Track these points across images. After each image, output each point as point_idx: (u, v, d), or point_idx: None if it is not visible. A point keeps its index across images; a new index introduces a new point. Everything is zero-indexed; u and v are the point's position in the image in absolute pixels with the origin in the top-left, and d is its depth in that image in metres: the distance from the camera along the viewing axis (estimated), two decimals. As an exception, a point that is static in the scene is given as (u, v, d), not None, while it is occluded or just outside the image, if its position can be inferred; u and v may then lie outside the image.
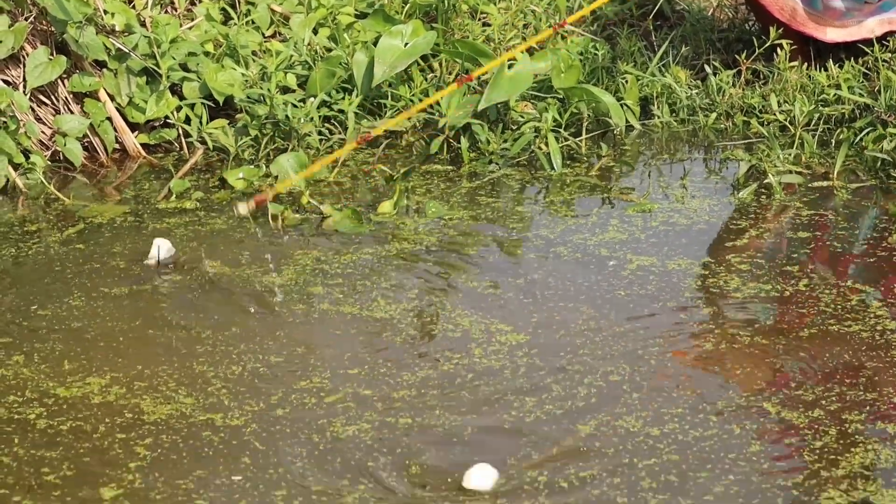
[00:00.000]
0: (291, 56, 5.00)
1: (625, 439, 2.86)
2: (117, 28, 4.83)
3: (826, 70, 4.94)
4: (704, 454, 2.74)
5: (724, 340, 3.33)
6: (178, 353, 3.37)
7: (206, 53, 4.94)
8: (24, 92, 4.63)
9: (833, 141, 4.67)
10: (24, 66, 4.65)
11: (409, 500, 2.75)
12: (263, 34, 5.12)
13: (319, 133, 4.82)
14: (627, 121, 4.85)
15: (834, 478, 2.60)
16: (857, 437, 2.76)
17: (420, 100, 4.84)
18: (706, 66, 5.14)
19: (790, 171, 4.37)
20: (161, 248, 3.75)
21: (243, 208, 4.42)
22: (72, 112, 4.75)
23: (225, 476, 2.79)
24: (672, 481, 2.66)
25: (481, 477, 2.76)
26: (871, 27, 4.93)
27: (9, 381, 3.18)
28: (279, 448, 2.92)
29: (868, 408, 2.90)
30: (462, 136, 4.68)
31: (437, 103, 4.76)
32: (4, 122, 4.42)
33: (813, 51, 5.08)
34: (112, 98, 4.81)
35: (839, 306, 3.42)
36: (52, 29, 4.72)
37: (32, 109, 4.69)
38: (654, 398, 3.05)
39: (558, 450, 2.89)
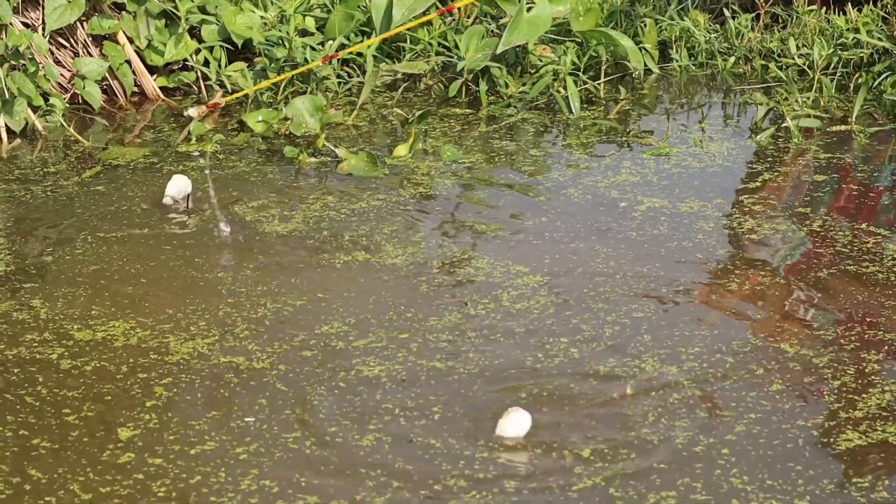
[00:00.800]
0: (302, 2, 4.99)
1: (651, 378, 2.93)
2: (139, -25, 4.78)
3: (844, 14, 4.92)
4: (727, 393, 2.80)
5: (740, 280, 3.36)
6: (199, 294, 3.42)
7: (225, -2, 4.91)
8: (42, 34, 4.64)
9: (851, 85, 4.68)
10: (43, 7, 4.63)
11: (424, 443, 2.79)
12: (276, -21, 5.04)
13: (338, 76, 4.84)
14: (646, 64, 4.87)
15: (853, 419, 2.63)
16: (874, 377, 2.80)
17: (440, 43, 4.89)
18: (725, 10, 5.16)
19: (808, 115, 4.39)
20: (177, 186, 3.72)
21: (194, 112, 4.48)
22: (91, 55, 4.78)
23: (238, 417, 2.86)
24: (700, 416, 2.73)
25: (515, 425, 2.76)
26: None
27: (29, 324, 3.24)
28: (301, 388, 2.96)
29: (886, 348, 2.94)
30: (481, 80, 4.71)
31: (457, 46, 4.79)
32: (24, 65, 4.44)
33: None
34: (131, 41, 4.84)
35: (855, 248, 3.44)
36: (72, -31, 4.61)
37: (51, 52, 4.71)
38: (673, 336, 3.08)
39: (590, 389, 2.95)
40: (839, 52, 4.78)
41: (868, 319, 3.09)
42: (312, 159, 4.21)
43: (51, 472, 2.64)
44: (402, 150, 4.18)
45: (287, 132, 4.39)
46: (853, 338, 2.98)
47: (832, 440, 2.59)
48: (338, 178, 4.09)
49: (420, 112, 4.37)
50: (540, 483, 2.68)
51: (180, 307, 3.34)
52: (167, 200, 3.77)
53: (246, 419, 2.85)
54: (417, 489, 2.68)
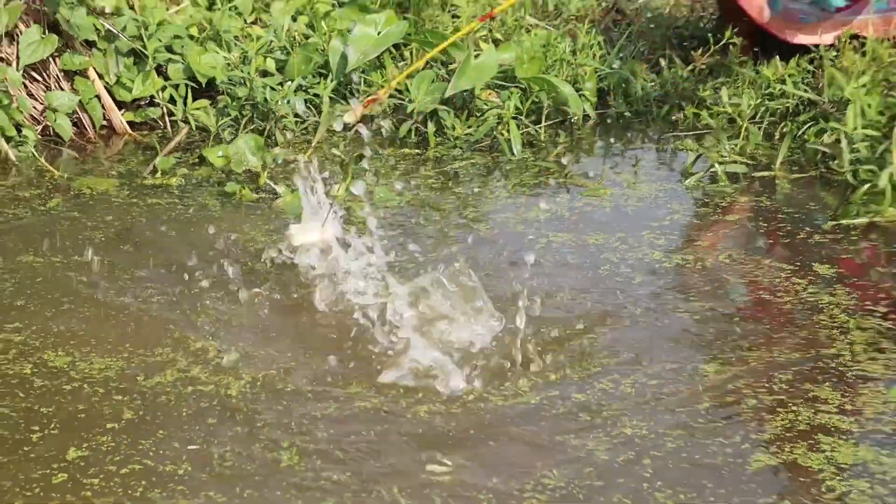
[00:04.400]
0: (271, 41, 5.14)
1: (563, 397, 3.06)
2: (107, 10, 4.94)
3: (776, 65, 5.08)
4: None
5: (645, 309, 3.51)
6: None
7: (191, 37, 5.08)
8: (17, 68, 4.77)
9: (777, 133, 4.80)
10: (18, 43, 4.77)
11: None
12: (245, 20, 5.24)
13: (296, 115, 4.98)
14: (585, 110, 5.00)
15: (764, 440, 2.78)
16: (783, 397, 2.97)
17: (403, 90, 4.98)
18: (661, 61, 5.32)
19: (735, 161, 4.53)
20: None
21: (349, 117, 4.64)
22: (62, 89, 4.91)
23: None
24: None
25: None
26: (847, 27, 5.12)
27: None
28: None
29: (793, 370, 3.11)
30: (429, 122, 4.85)
31: (408, 90, 4.94)
32: None
33: (760, 49, 5.28)
34: (101, 77, 4.97)
35: (761, 278, 3.66)
36: (45, 9, 4.82)
37: (25, 85, 4.84)
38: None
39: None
40: (766, 101, 4.91)
41: (774, 342, 3.26)
42: (253, 195, 4.32)
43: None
44: (337, 190, 4.18)
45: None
46: (763, 360, 3.16)
47: (746, 460, 2.73)
48: (272, 214, 4.22)
49: (356, 155, 4.52)
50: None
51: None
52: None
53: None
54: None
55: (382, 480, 2.68)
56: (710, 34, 5.41)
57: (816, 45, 5.16)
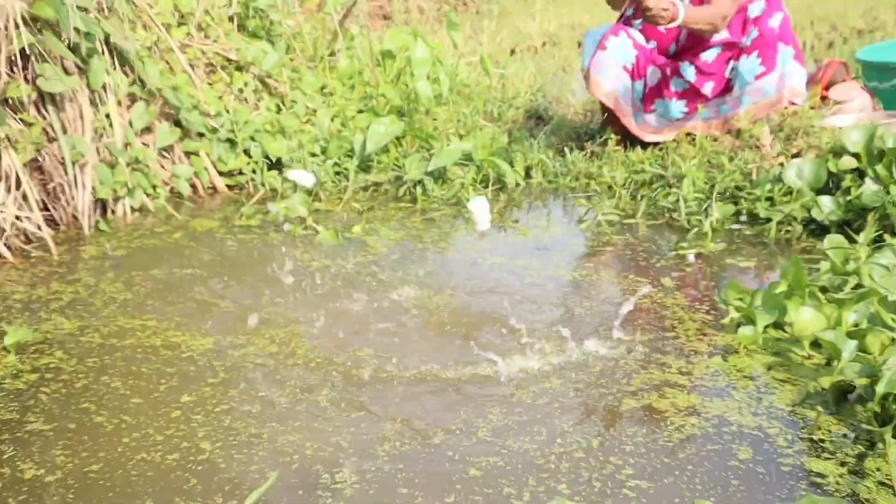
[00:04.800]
0: (317, 134, 5.21)
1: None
2: (212, 113, 5.02)
3: (639, 150, 5.13)
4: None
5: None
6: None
7: (266, 130, 5.12)
8: (154, 149, 4.83)
9: (639, 195, 4.83)
10: (155, 133, 4.83)
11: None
12: (300, 120, 5.30)
13: (333, 181, 5.05)
14: (516, 180, 5.06)
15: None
16: (643, 362, 3.02)
17: (394, 163, 5.07)
18: (565, 149, 5.38)
19: (612, 213, 4.60)
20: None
21: None
22: (183, 163, 4.98)
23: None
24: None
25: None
26: (684, 128, 5.20)
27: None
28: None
29: (650, 345, 3.14)
30: (418, 186, 4.92)
31: (402, 166, 5.01)
32: (142, 168, 4.67)
33: (628, 142, 5.33)
34: (208, 155, 5.04)
35: (622, 291, 3.71)
36: (172, 111, 4.87)
37: (159, 161, 4.88)
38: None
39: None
40: (633, 175, 4.96)
41: (636, 328, 3.29)
42: (301, 232, 4.37)
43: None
44: (356, 229, 4.30)
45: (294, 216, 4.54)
46: (629, 339, 3.19)
47: (618, 405, 2.78)
48: (313, 245, 4.24)
49: (369, 206, 4.66)
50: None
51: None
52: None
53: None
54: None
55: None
56: (597, 132, 5.50)
57: (663, 140, 5.22)
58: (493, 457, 2.43)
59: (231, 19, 5.38)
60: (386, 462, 2.40)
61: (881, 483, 2.36)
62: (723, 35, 4.98)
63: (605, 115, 5.39)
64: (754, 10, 4.89)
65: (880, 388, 2.56)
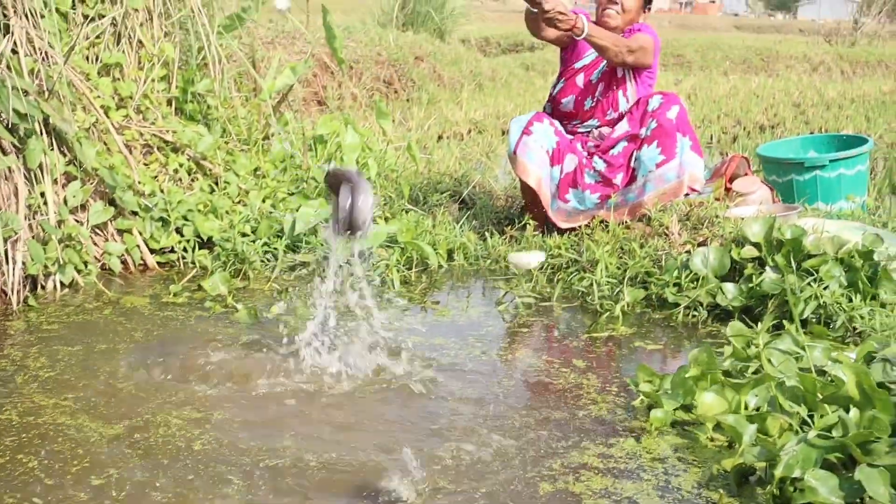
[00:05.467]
0: (248, 215, 5.13)
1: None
2: (146, 192, 4.93)
3: (556, 235, 5.13)
4: None
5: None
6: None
7: (199, 210, 5.04)
8: (87, 227, 4.72)
9: (556, 279, 4.83)
10: (89, 211, 4.73)
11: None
12: (233, 200, 5.23)
13: (262, 261, 4.95)
14: (439, 262, 5.02)
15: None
16: (560, 437, 3.01)
17: (322, 244, 4.95)
18: (486, 233, 5.36)
19: (529, 296, 4.57)
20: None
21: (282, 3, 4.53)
22: (115, 240, 4.87)
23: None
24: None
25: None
26: (597, 215, 5.23)
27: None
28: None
29: (563, 423, 3.13)
30: (347, 267, 4.77)
31: (329, 246, 4.89)
32: (74, 244, 4.56)
33: (545, 228, 5.32)
34: (140, 233, 4.93)
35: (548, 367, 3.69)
36: (107, 190, 4.78)
37: (91, 238, 4.78)
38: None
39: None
40: (549, 259, 4.96)
41: (544, 406, 3.27)
42: (221, 309, 4.31)
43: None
44: (275, 309, 4.22)
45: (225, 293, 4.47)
46: (543, 416, 3.18)
47: (535, 486, 2.76)
48: (232, 321, 4.18)
49: (287, 288, 4.60)
50: None
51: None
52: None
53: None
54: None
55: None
56: (517, 217, 5.49)
57: (578, 227, 5.24)
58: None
59: (169, 102, 5.35)
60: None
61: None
62: (625, 128, 5.20)
63: (525, 201, 5.39)
64: (653, 104, 5.09)
65: (778, 472, 2.60)
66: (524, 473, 2.80)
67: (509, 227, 5.41)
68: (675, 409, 3.18)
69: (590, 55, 5.27)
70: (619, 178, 5.17)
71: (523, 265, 2.73)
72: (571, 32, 4.86)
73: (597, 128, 5.28)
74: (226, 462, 2.81)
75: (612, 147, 5.20)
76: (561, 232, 5.26)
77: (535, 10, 4.83)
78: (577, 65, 5.33)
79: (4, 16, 4.55)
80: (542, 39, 5.37)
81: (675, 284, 4.47)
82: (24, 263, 4.35)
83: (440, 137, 8.26)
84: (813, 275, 4.20)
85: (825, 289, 4.11)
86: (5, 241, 4.28)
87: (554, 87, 5.43)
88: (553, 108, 5.38)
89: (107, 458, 2.82)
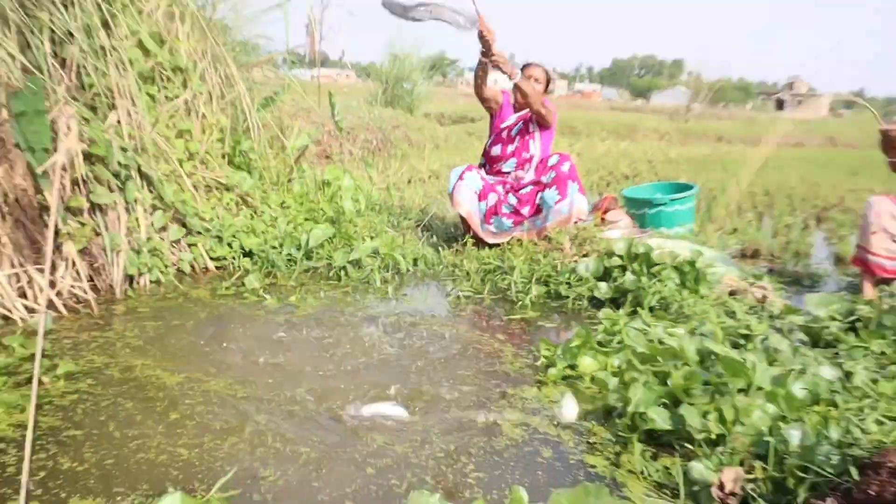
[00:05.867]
0: (277, 234, 5.09)
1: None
2: (207, 218, 4.88)
3: (488, 248, 5.13)
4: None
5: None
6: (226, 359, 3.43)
7: (243, 231, 5.00)
8: (167, 242, 4.67)
9: (486, 280, 4.80)
10: (168, 231, 4.68)
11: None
12: (266, 224, 5.17)
13: (286, 265, 4.90)
14: (407, 267, 4.98)
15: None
16: (483, 380, 3.02)
17: (327, 254, 4.98)
18: (439, 248, 5.35)
19: (468, 290, 4.59)
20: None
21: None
22: (186, 251, 4.80)
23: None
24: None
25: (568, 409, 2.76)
26: (514, 235, 5.26)
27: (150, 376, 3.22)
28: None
29: (488, 372, 3.13)
30: (344, 270, 4.81)
31: (332, 256, 4.92)
32: (158, 254, 4.54)
33: (479, 243, 5.35)
34: (203, 246, 4.87)
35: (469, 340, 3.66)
36: (180, 217, 4.74)
37: (170, 249, 4.71)
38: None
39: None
40: (482, 265, 4.96)
41: (481, 360, 3.26)
42: (255, 298, 4.24)
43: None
44: (293, 297, 4.19)
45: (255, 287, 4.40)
46: (475, 368, 3.18)
47: (465, 405, 2.80)
48: (265, 307, 4.10)
49: (304, 283, 4.56)
50: None
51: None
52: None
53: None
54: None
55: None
56: (460, 237, 5.53)
57: (501, 243, 5.21)
58: (385, 458, 2.38)
59: (223, 156, 5.30)
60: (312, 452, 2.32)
61: (630, 471, 2.39)
62: (532, 177, 5.34)
63: (464, 225, 5.42)
64: (552, 160, 5.27)
65: (630, 409, 2.64)
66: (464, 407, 2.83)
67: (455, 244, 5.44)
68: (564, 368, 3.22)
69: (510, 119, 5.42)
70: (526, 210, 5.28)
71: (567, 417, 2.60)
72: (509, 76, 5.14)
73: (514, 169, 5.38)
74: (250, 398, 2.82)
75: (523, 188, 5.33)
76: (490, 247, 5.29)
77: (486, 57, 4.98)
78: (503, 125, 5.48)
79: (112, 98, 4.54)
80: (482, 98, 5.45)
81: (566, 283, 4.50)
82: (124, 267, 4.32)
83: (409, 181, 8.25)
84: (657, 276, 4.27)
85: (665, 286, 4.18)
86: (111, 251, 4.28)
87: (487, 142, 5.54)
88: (486, 157, 5.48)
89: (179, 397, 2.84)
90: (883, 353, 3.28)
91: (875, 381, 2.90)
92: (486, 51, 4.98)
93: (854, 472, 2.04)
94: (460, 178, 5.25)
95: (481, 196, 5.28)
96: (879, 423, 2.46)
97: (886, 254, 4.28)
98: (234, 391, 2.91)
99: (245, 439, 2.49)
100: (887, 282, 4.32)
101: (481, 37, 4.98)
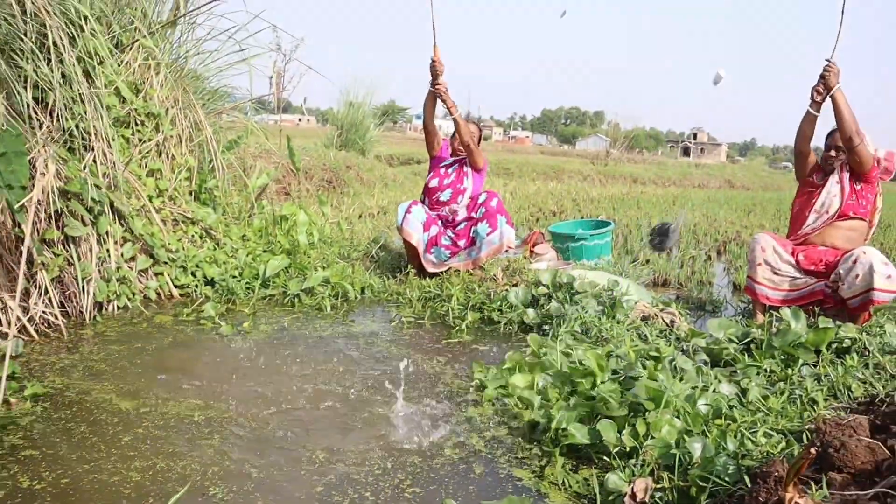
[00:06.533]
0: (237, 264, 4.96)
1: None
2: (173, 249, 4.75)
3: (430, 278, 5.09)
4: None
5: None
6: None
7: (205, 261, 4.86)
8: (135, 271, 4.53)
9: (426, 305, 4.74)
10: (136, 261, 4.54)
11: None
12: (227, 255, 5.04)
13: (244, 293, 4.79)
14: (357, 293, 4.91)
15: None
16: (436, 392, 2.97)
17: (283, 283, 4.87)
18: (385, 277, 5.26)
19: (410, 316, 4.51)
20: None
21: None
22: (153, 279, 4.66)
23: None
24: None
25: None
26: (451, 265, 5.22)
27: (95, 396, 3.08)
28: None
29: (439, 389, 3.10)
30: (297, 297, 4.72)
31: (287, 285, 4.82)
32: (126, 282, 4.38)
33: (420, 272, 5.29)
34: (168, 275, 4.73)
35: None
36: (148, 248, 4.60)
37: (137, 278, 4.57)
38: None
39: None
40: (423, 293, 4.85)
41: (432, 378, 3.19)
42: (211, 325, 4.10)
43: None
44: (246, 325, 4.06)
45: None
46: (422, 387, 3.15)
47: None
48: (219, 333, 3.97)
49: (252, 312, 4.43)
50: None
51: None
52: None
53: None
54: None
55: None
56: (403, 267, 5.46)
57: (440, 273, 5.17)
58: (329, 475, 2.31)
59: (190, 193, 5.20)
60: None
61: (553, 482, 2.36)
62: (465, 214, 5.33)
63: (408, 255, 5.38)
64: (482, 198, 5.30)
65: (553, 425, 2.62)
66: (408, 421, 2.78)
67: (399, 273, 5.38)
68: (496, 388, 3.18)
69: (448, 161, 5.45)
70: (462, 242, 5.26)
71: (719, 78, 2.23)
72: (449, 109, 5.22)
73: (449, 199, 5.41)
74: (204, 421, 2.72)
75: (458, 225, 5.33)
76: (430, 276, 5.25)
77: (432, 86, 5.00)
78: (441, 165, 5.46)
79: (89, 140, 4.44)
80: (427, 128, 5.47)
81: (499, 310, 4.47)
82: (94, 294, 4.17)
83: (360, 216, 8.19)
84: (579, 304, 4.27)
85: (586, 312, 4.18)
86: (83, 280, 4.13)
87: (427, 178, 5.53)
88: (426, 190, 5.47)
89: (134, 421, 2.71)
90: (773, 371, 3.32)
91: (766, 397, 2.92)
92: (434, 79, 5.06)
93: (747, 480, 2.04)
94: (408, 211, 5.24)
95: (425, 227, 5.27)
96: (768, 435, 2.47)
97: (769, 284, 4.36)
98: (192, 414, 2.80)
99: (196, 459, 2.39)
100: (777, 307, 4.39)
101: (432, 66, 5.05)
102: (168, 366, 3.38)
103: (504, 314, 4.41)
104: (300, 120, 53.91)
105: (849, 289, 4.00)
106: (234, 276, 4.87)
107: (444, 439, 2.66)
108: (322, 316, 4.45)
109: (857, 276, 3.93)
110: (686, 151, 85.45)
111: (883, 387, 2.85)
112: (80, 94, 4.40)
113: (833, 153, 4.36)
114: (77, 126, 4.39)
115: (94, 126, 4.43)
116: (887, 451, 1.81)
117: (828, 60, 4.10)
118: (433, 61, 5.04)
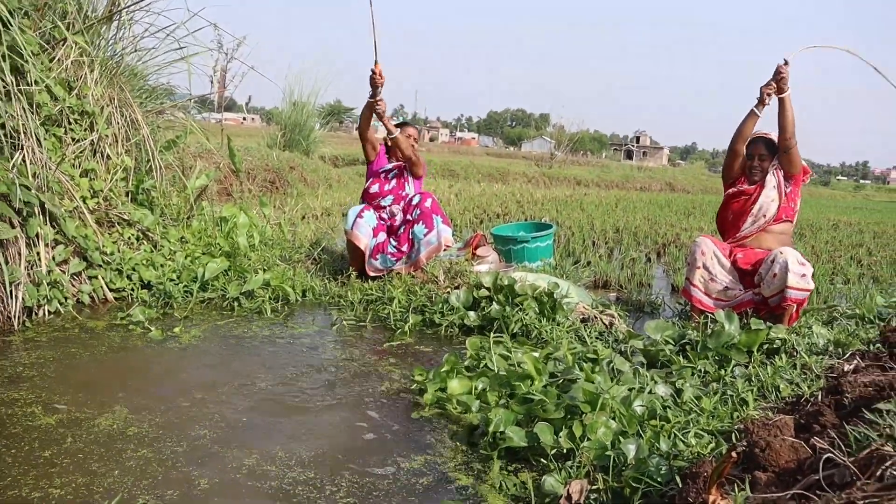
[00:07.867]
0: (175, 267, 4.87)
1: None
2: (108, 252, 4.63)
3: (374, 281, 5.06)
4: None
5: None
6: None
7: (142, 264, 4.76)
8: (67, 275, 4.39)
9: (368, 308, 4.71)
10: (69, 264, 4.42)
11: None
12: (165, 257, 4.95)
13: (182, 297, 4.69)
14: (296, 297, 4.85)
15: None
16: (369, 389, 2.95)
17: (222, 287, 4.79)
18: (327, 280, 5.22)
19: (351, 319, 4.49)
20: None
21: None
22: (86, 283, 4.54)
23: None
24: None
25: None
26: (396, 268, 5.21)
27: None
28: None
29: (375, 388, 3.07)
30: (237, 301, 4.63)
31: (226, 288, 4.71)
32: (58, 286, 4.26)
33: (362, 276, 5.27)
34: (103, 279, 4.62)
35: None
36: (82, 250, 4.47)
37: (70, 281, 4.45)
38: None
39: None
40: (365, 296, 4.85)
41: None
42: (140, 330, 4.00)
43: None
44: (177, 329, 3.97)
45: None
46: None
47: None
48: (150, 337, 3.90)
49: (185, 314, 4.34)
50: None
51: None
52: None
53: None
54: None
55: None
56: (345, 270, 5.42)
57: (382, 276, 5.15)
58: (263, 485, 2.26)
59: (127, 194, 5.07)
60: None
61: (491, 486, 2.37)
62: (402, 217, 5.34)
63: (352, 259, 5.35)
64: (416, 200, 5.32)
65: (491, 428, 2.63)
66: (350, 419, 2.78)
67: (340, 276, 5.35)
68: (436, 390, 3.17)
69: (388, 167, 5.49)
70: (405, 248, 5.26)
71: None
72: (388, 129, 5.26)
73: (390, 205, 5.44)
74: (136, 435, 2.64)
75: (398, 230, 5.34)
76: (372, 279, 5.24)
77: (372, 99, 4.99)
78: (380, 170, 5.46)
79: (17, 138, 4.27)
80: (364, 139, 5.45)
81: (440, 312, 4.48)
82: (23, 298, 4.04)
83: (303, 217, 8.12)
84: (520, 306, 4.31)
85: (526, 315, 4.22)
86: (11, 284, 3.98)
87: (367, 184, 5.51)
88: (366, 195, 5.47)
89: (55, 433, 2.60)
90: (707, 372, 3.40)
91: (699, 398, 2.99)
92: (373, 93, 5.04)
93: (678, 480, 2.09)
94: (359, 215, 5.23)
95: (374, 233, 5.27)
96: (699, 436, 2.53)
97: (704, 289, 4.46)
98: (118, 423, 2.72)
99: (125, 472, 2.32)
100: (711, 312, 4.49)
101: (372, 78, 5.02)
102: (95, 373, 3.27)
103: (445, 317, 4.42)
104: (244, 119, 53.09)
105: (768, 287, 4.16)
106: (172, 280, 4.78)
107: (382, 445, 2.65)
108: (262, 319, 4.39)
109: (774, 274, 4.09)
110: (629, 154, 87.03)
111: (808, 387, 2.95)
112: (6, 91, 4.25)
113: (756, 162, 4.48)
114: (3, 125, 4.23)
115: (23, 125, 4.28)
116: (809, 450, 1.87)
117: (786, 60, 4.13)
118: (374, 73, 5.03)
